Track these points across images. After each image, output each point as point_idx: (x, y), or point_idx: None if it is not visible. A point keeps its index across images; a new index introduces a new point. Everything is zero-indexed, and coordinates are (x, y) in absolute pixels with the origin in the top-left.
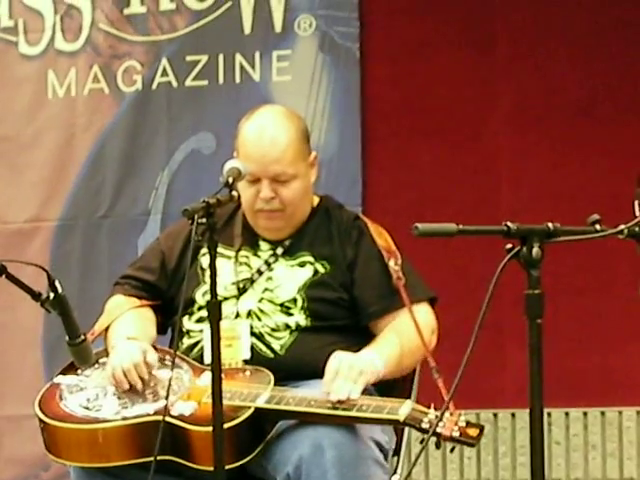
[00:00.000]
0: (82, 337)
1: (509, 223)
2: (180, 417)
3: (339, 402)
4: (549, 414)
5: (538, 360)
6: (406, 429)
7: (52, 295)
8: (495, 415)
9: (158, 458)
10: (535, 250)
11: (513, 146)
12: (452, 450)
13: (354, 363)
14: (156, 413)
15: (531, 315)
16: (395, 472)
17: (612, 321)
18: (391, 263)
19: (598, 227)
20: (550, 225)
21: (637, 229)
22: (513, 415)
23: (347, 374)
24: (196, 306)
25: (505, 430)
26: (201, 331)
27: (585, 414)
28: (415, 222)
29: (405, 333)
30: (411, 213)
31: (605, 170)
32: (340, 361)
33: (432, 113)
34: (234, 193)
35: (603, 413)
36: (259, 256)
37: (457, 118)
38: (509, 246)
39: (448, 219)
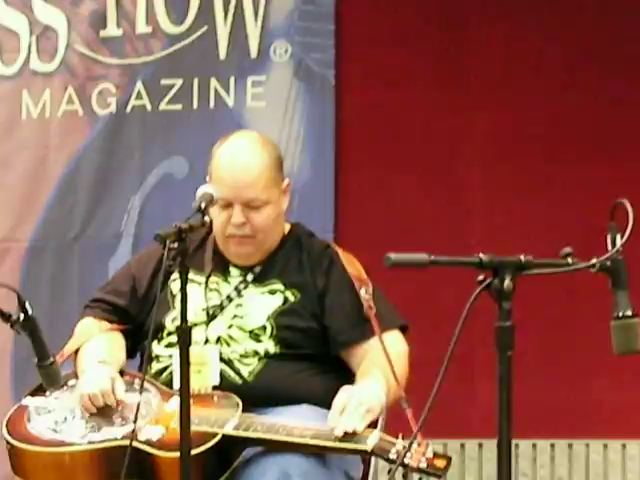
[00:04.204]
0: (51, 359)
1: (481, 255)
2: (147, 442)
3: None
4: (517, 445)
5: (507, 392)
6: (373, 459)
7: (22, 316)
8: (462, 445)
9: None
10: (507, 282)
11: (485, 177)
12: (425, 476)
13: (363, 400)
14: (124, 437)
15: (501, 347)
16: None
17: (581, 354)
18: (362, 292)
19: (570, 260)
20: (522, 257)
21: (608, 263)
22: (480, 445)
23: (354, 410)
24: (165, 331)
25: (472, 460)
26: (170, 356)
27: (552, 445)
28: (386, 251)
29: (384, 366)
30: (383, 242)
31: (577, 204)
32: (348, 396)
33: (405, 142)
34: (206, 218)
35: (570, 445)
36: (229, 282)
37: (430, 148)
38: (481, 278)
39: (420, 249)
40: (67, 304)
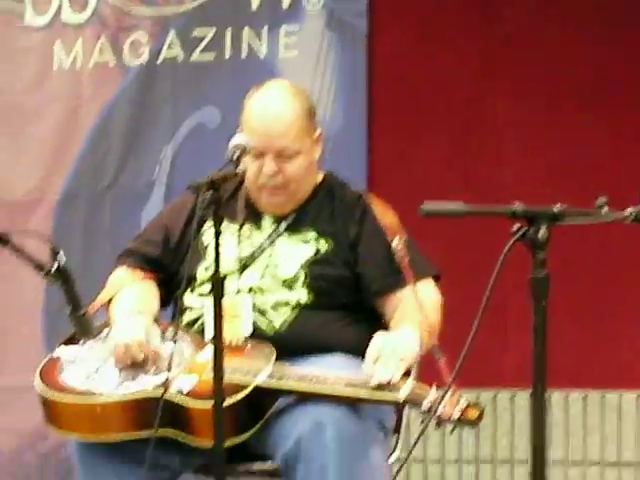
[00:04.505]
0: (84, 309)
1: (516, 204)
2: (180, 392)
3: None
4: (549, 396)
5: (542, 342)
6: (406, 408)
7: (55, 267)
8: (495, 396)
9: (158, 433)
10: (542, 232)
11: (518, 128)
12: (452, 431)
13: (397, 347)
14: (156, 388)
15: (536, 297)
16: (394, 451)
17: (615, 305)
18: (395, 241)
19: (605, 210)
20: (557, 207)
21: None
22: (513, 396)
23: (389, 359)
24: (198, 281)
25: (505, 410)
26: (202, 306)
27: (585, 397)
28: (418, 201)
29: (418, 314)
30: (415, 191)
31: (611, 154)
32: (383, 344)
33: (438, 92)
34: (239, 168)
35: (603, 396)
36: (262, 232)
37: (463, 98)
38: (516, 227)
39: (452, 198)
40: (99, 254)
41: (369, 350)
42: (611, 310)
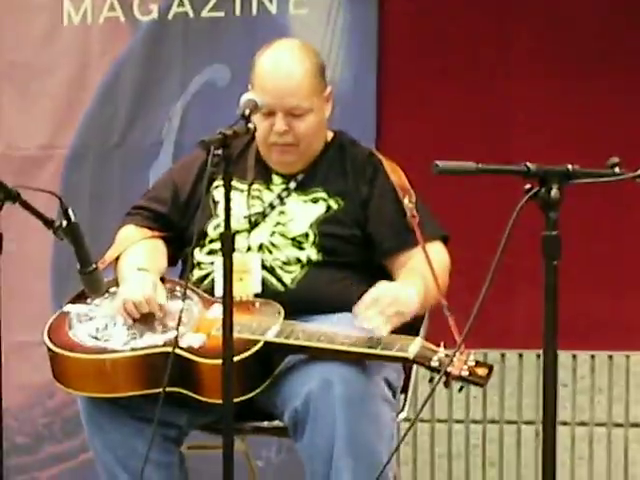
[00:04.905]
0: (94, 266)
1: (528, 163)
2: (189, 349)
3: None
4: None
5: (553, 302)
6: (414, 367)
7: (65, 223)
8: (503, 355)
9: (166, 390)
10: (554, 191)
11: (529, 89)
12: (460, 390)
13: (394, 301)
14: (165, 344)
15: (548, 257)
16: (402, 410)
17: (624, 266)
18: (405, 200)
19: (617, 170)
20: (570, 167)
21: None
22: (521, 355)
23: (384, 309)
24: (207, 238)
25: (513, 370)
26: (212, 263)
27: (593, 357)
28: (427, 161)
29: (425, 273)
30: (424, 152)
31: (622, 115)
32: (382, 293)
33: (449, 52)
34: (250, 125)
35: (610, 357)
36: (272, 190)
37: (475, 59)
38: (528, 186)
39: (461, 159)
40: (107, 211)
41: (369, 293)
42: (619, 271)
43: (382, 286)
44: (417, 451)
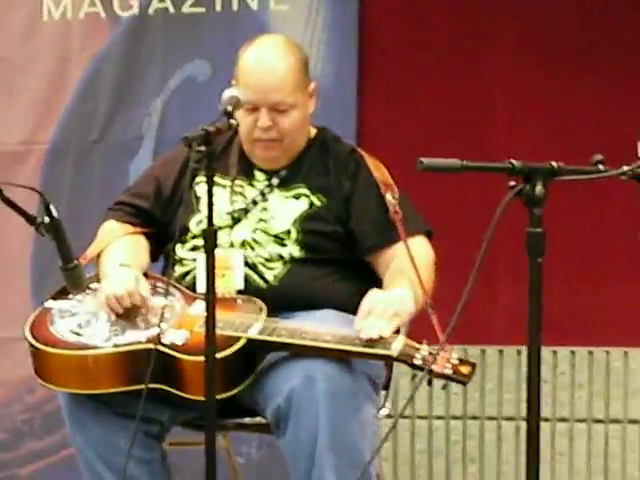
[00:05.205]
0: (75, 262)
1: (513, 161)
2: (172, 346)
3: (369, 340)
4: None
5: (538, 299)
6: (395, 364)
7: (47, 219)
8: (483, 351)
9: (148, 387)
10: (539, 188)
11: (511, 84)
12: (444, 387)
13: (390, 305)
14: (148, 341)
15: (532, 253)
16: (383, 406)
17: (604, 262)
18: (388, 196)
19: (602, 167)
20: (554, 164)
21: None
22: (501, 352)
23: (381, 314)
24: (190, 234)
25: (493, 367)
26: (194, 260)
27: (573, 353)
28: (409, 156)
29: (411, 271)
30: (406, 147)
31: (605, 111)
32: (375, 301)
33: (431, 47)
34: (233, 121)
35: (591, 352)
36: (254, 186)
37: (456, 53)
38: (512, 183)
39: (442, 155)
40: (88, 206)
41: (361, 306)
42: (599, 268)
43: (374, 295)
44: (397, 447)
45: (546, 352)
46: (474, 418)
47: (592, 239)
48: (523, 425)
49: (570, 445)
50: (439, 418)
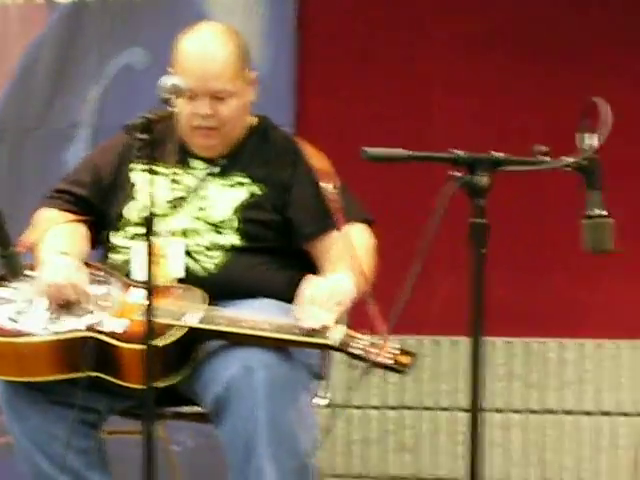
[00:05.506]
0: (13, 248)
1: (457, 151)
2: (110, 334)
3: (313, 330)
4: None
5: (480, 290)
6: (332, 353)
7: None
8: (419, 341)
9: (86, 375)
10: (485, 179)
11: (448, 70)
12: (386, 377)
13: (332, 293)
14: (87, 329)
15: (475, 244)
16: (320, 395)
17: (541, 253)
18: (327, 185)
19: (546, 158)
20: (499, 154)
21: (585, 162)
22: (437, 342)
23: (324, 303)
24: (127, 223)
25: (427, 357)
26: (130, 247)
27: (509, 343)
28: (347, 144)
29: (349, 258)
30: (342, 137)
31: (542, 100)
32: (317, 288)
33: (368, 34)
34: (173, 109)
35: (527, 343)
36: (193, 174)
37: (393, 40)
38: (454, 173)
39: (379, 144)
40: (24, 194)
41: (304, 294)
42: (535, 259)
43: (314, 282)
44: (333, 437)
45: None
46: (410, 408)
47: (530, 230)
48: (460, 415)
49: (506, 436)
50: (375, 408)
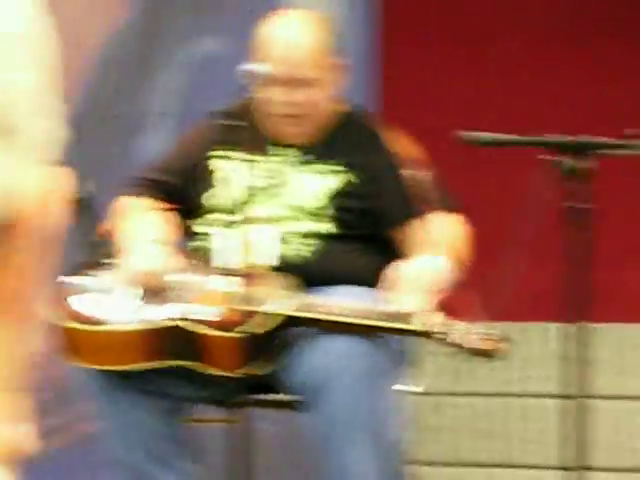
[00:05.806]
0: (99, 237)
1: (561, 135)
2: (201, 322)
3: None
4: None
5: (587, 275)
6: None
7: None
8: (508, 328)
9: (173, 363)
10: (588, 163)
11: (535, 54)
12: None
13: (421, 273)
14: (177, 317)
15: (579, 228)
16: (413, 383)
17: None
18: (416, 172)
19: None
20: (601, 139)
21: None
22: (524, 330)
23: (420, 289)
24: (209, 208)
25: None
26: (212, 235)
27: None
28: (433, 130)
29: (443, 239)
30: (431, 121)
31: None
32: (414, 273)
33: (454, 19)
34: (256, 96)
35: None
36: (280, 162)
37: (478, 25)
38: (548, 157)
39: (469, 128)
40: (107, 182)
41: (402, 279)
42: None
43: (411, 268)
44: (424, 424)
45: None
46: (499, 395)
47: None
48: (548, 402)
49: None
50: (463, 395)
